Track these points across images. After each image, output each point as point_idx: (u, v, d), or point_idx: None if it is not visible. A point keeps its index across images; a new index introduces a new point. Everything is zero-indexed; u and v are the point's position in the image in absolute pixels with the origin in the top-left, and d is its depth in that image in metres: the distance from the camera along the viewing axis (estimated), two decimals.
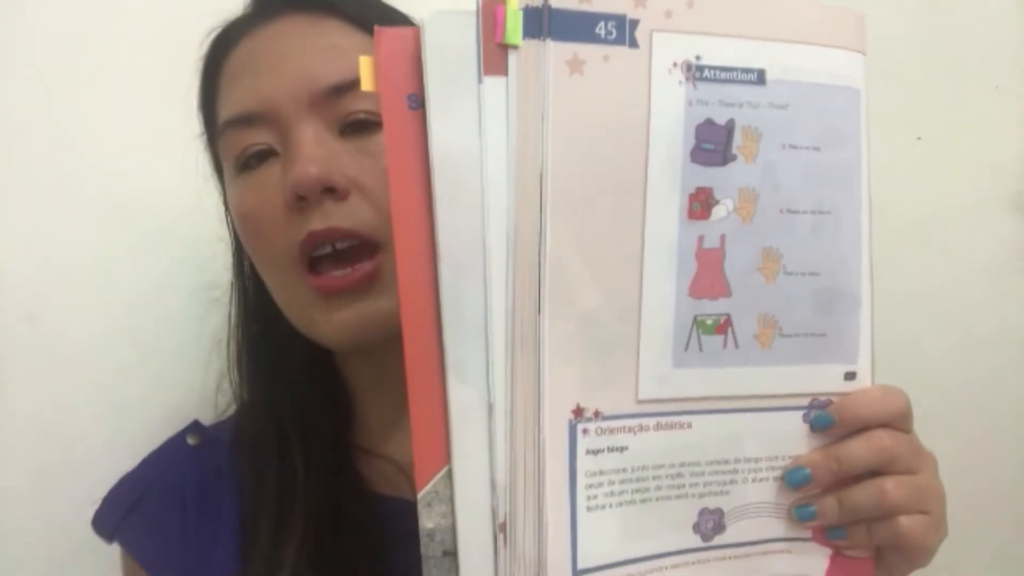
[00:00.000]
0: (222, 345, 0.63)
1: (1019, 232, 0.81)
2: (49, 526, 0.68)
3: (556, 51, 0.36)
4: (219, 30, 0.55)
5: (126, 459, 0.66)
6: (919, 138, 0.81)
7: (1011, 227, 0.81)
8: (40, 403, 0.69)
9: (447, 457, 0.38)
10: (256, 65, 0.51)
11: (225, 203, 0.58)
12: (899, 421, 0.41)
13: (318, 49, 0.50)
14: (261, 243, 0.51)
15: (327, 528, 0.51)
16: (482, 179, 0.37)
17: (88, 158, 0.70)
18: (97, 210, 0.70)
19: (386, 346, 0.49)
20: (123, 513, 0.56)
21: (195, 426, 0.60)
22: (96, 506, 0.58)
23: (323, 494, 0.52)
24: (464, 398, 0.37)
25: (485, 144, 0.37)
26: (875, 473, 0.41)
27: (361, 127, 0.49)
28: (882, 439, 0.40)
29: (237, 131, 0.51)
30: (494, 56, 0.36)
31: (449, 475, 0.38)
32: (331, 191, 0.48)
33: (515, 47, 0.36)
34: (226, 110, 0.52)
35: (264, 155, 0.50)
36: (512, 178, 0.37)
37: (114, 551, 0.58)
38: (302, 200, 0.48)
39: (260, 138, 0.50)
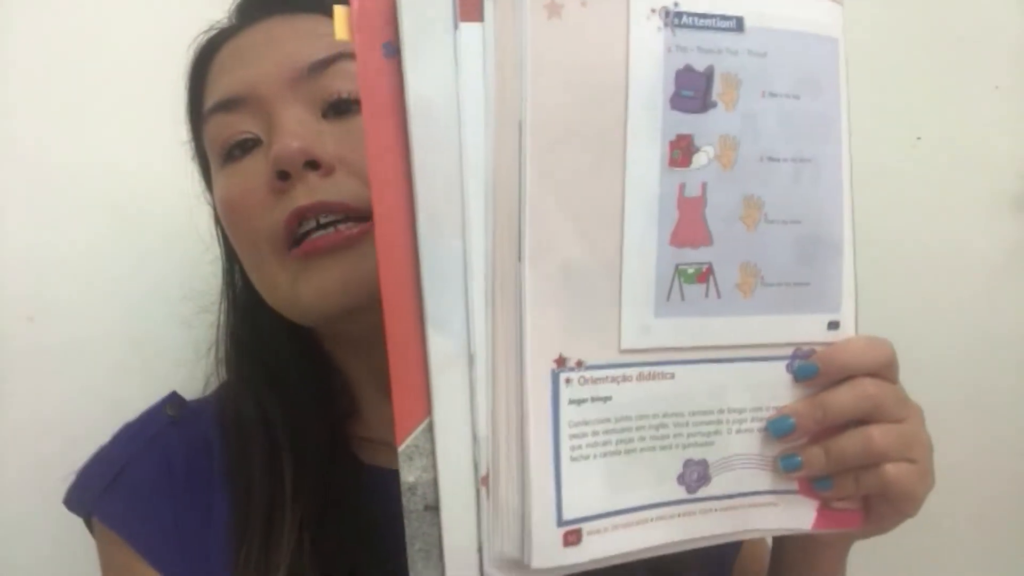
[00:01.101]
0: (210, 350, 0.63)
1: (1019, 232, 0.82)
2: (49, 526, 0.67)
3: None
4: (202, 40, 0.56)
5: None
6: (919, 138, 0.82)
7: (1011, 227, 0.82)
8: (40, 403, 0.69)
9: (428, 410, 0.37)
10: (239, 57, 0.52)
11: (215, 208, 0.57)
12: (884, 370, 0.41)
13: (298, 35, 0.51)
14: (245, 229, 0.51)
15: (324, 522, 0.50)
16: (459, 127, 0.36)
17: (88, 158, 0.70)
18: (97, 210, 0.71)
19: (379, 337, 0.49)
20: (102, 487, 0.54)
21: (174, 397, 0.59)
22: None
23: (315, 491, 0.51)
24: (444, 349, 0.37)
25: (462, 92, 0.36)
26: (860, 423, 0.41)
27: (343, 108, 0.49)
28: (867, 387, 0.40)
29: (221, 117, 0.51)
30: (470, 1, 0.36)
31: (430, 428, 0.38)
32: (315, 166, 0.47)
33: None
34: (210, 98, 0.52)
35: (248, 145, 0.50)
36: (490, 126, 0.36)
37: None
38: (285, 177, 0.47)
39: (244, 125, 0.50)
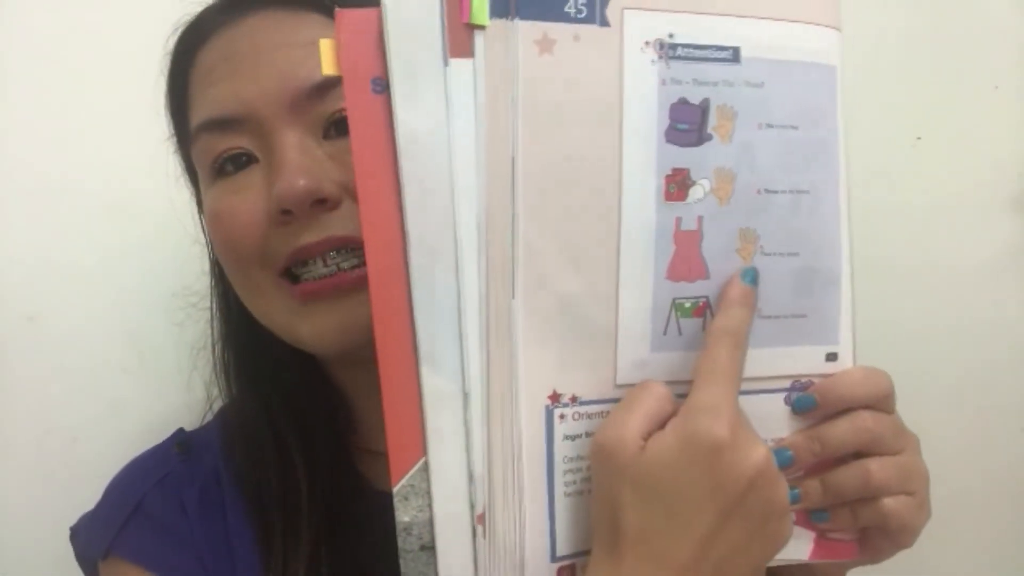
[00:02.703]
0: (204, 351, 0.62)
1: (1019, 232, 0.81)
2: (49, 525, 0.65)
3: (525, 31, 0.35)
4: (186, 24, 0.52)
5: (126, 458, 0.65)
6: (919, 138, 0.81)
7: (1011, 227, 0.81)
8: (40, 403, 0.69)
9: (423, 450, 0.37)
10: (231, 64, 0.47)
11: (199, 206, 0.56)
12: (882, 402, 0.40)
13: (297, 46, 0.46)
14: (237, 252, 0.48)
15: (336, 530, 0.50)
16: (451, 164, 0.36)
17: (87, 158, 0.70)
18: (97, 210, 0.70)
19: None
20: (120, 524, 0.52)
21: (180, 434, 0.58)
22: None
23: (327, 498, 0.51)
24: (439, 388, 0.37)
25: (453, 128, 0.36)
26: (858, 455, 0.40)
27: (345, 127, 0.46)
28: (865, 420, 0.40)
29: (213, 136, 0.48)
30: (460, 37, 0.35)
31: (425, 468, 0.37)
32: (321, 202, 0.45)
33: (482, 27, 0.35)
34: (200, 113, 0.49)
35: (242, 160, 0.47)
36: (482, 162, 0.36)
37: None
38: (289, 214, 0.45)
39: (238, 143, 0.47)
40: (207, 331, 0.62)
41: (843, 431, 0.40)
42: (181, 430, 0.58)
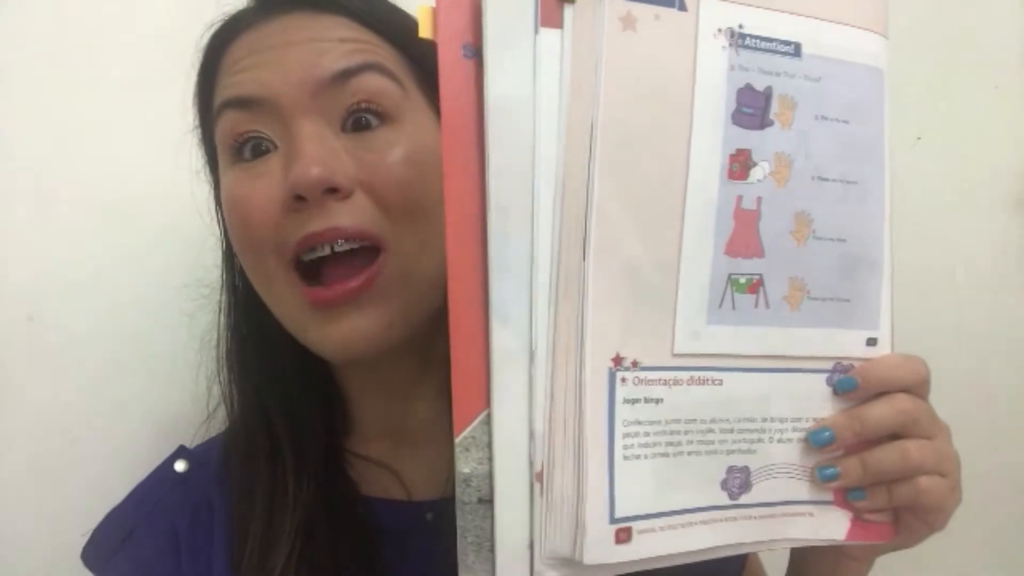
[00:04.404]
0: (210, 345, 0.61)
1: (1019, 232, 0.84)
2: (49, 525, 0.68)
3: (611, 7, 0.38)
4: (220, 23, 0.54)
5: (125, 458, 0.67)
6: (919, 138, 0.83)
7: (1011, 227, 0.84)
8: (40, 402, 0.69)
9: (486, 402, 0.38)
10: (258, 55, 0.49)
11: (217, 198, 0.56)
12: (918, 388, 0.43)
13: (323, 40, 0.48)
14: (251, 238, 0.49)
15: (318, 532, 0.50)
16: (534, 127, 0.38)
17: (87, 158, 0.70)
18: (96, 210, 0.70)
19: (385, 356, 0.49)
20: (112, 549, 0.54)
21: (182, 451, 0.58)
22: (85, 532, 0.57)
23: (313, 499, 0.51)
24: (506, 343, 0.38)
25: (538, 94, 0.38)
26: (894, 437, 0.42)
27: (364, 123, 0.48)
28: (903, 402, 0.42)
29: (234, 114, 0.49)
30: (551, 9, 0.38)
31: (487, 420, 0.38)
32: (333, 191, 0.46)
33: (572, 1, 0.38)
34: (225, 92, 0.50)
35: (262, 148, 0.49)
36: (563, 128, 0.38)
37: None
38: (301, 200, 0.46)
39: (258, 126, 0.48)
40: (216, 324, 0.62)
41: (882, 412, 0.42)
42: (182, 447, 0.58)
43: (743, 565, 0.59)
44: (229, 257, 0.57)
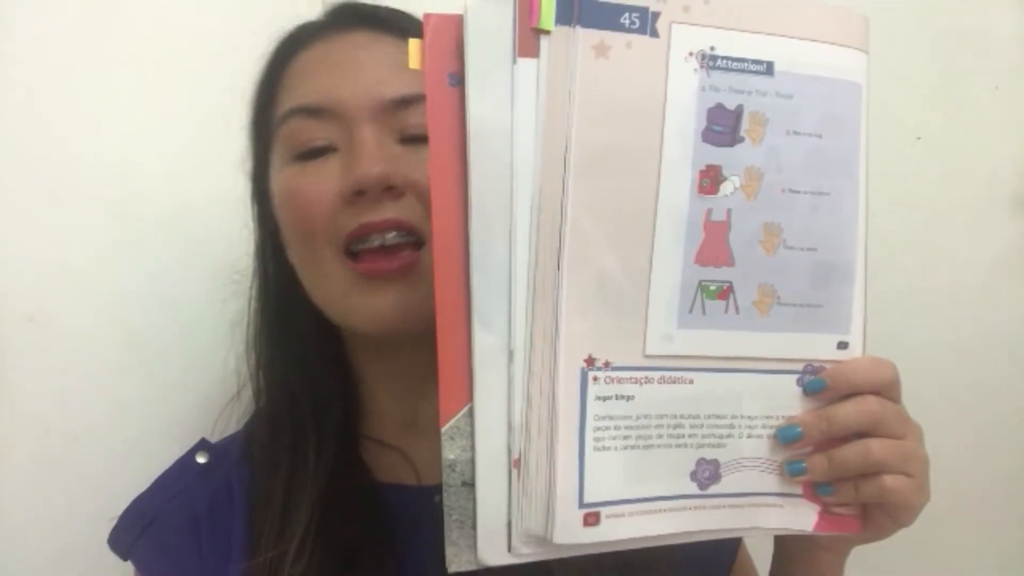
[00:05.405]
0: (239, 328, 0.65)
1: (1019, 232, 0.82)
2: (49, 524, 0.68)
3: (585, 37, 0.41)
4: (292, 29, 0.60)
5: (126, 458, 0.69)
6: (919, 138, 0.83)
7: (1011, 227, 0.82)
8: (40, 402, 0.69)
9: (469, 397, 0.42)
10: (332, 66, 0.55)
11: (258, 191, 0.61)
12: (887, 389, 0.44)
13: (389, 64, 0.54)
14: (308, 225, 0.54)
15: (333, 509, 0.55)
16: (512, 148, 0.41)
17: (87, 156, 0.71)
18: (96, 209, 0.71)
19: (400, 340, 0.55)
20: (136, 534, 0.58)
21: (203, 443, 0.62)
22: (99, 515, 0.60)
23: (331, 475, 0.56)
24: (487, 344, 0.42)
25: (516, 118, 0.41)
26: (862, 436, 0.44)
27: (418, 139, 0.53)
28: (870, 403, 0.44)
29: (303, 120, 0.54)
30: (528, 40, 0.41)
31: (470, 413, 0.42)
32: (389, 189, 0.52)
33: (547, 32, 0.41)
34: (296, 99, 0.55)
35: (323, 150, 0.54)
36: (539, 149, 0.41)
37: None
38: (360, 195, 0.52)
39: (324, 132, 0.54)
40: (244, 311, 0.66)
41: (849, 412, 0.44)
42: (203, 440, 0.63)
43: (735, 556, 0.62)
44: (263, 246, 0.62)
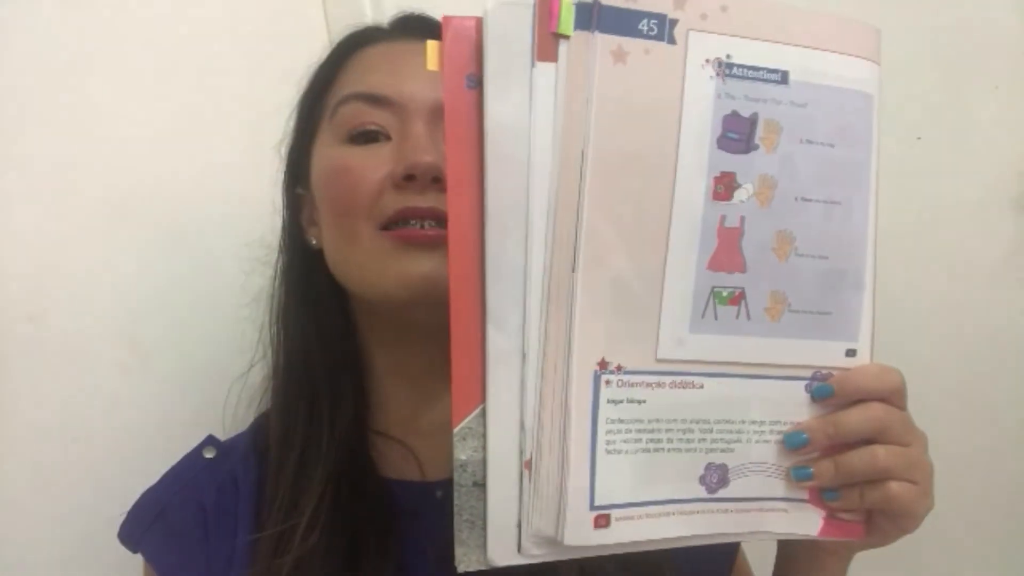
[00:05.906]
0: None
1: (1019, 232, 0.83)
2: (49, 525, 0.69)
3: (603, 42, 0.41)
4: (359, 27, 0.64)
5: (126, 458, 0.69)
6: (919, 138, 0.83)
7: (1011, 227, 0.83)
8: (40, 403, 0.69)
9: (482, 397, 0.42)
10: (395, 63, 0.59)
11: (292, 162, 0.63)
12: (894, 397, 0.45)
13: None
14: (349, 200, 0.56)
15: (343, 491, 0.56)
16: (529, 151, 0.42)
17: (87, 156, 0.71)
18: (97, 209, 0.72)
19: (410, 336, 0.56)
20: (146, 526, 0.60)
21: (210, 440, 0.63)
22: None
23: (341, 460, 0.57)
24: (501, 345, 0.42)
25: (534, 121, 0.41)
26: (868, 442, 0.45)
27: None
28: (876, 410, 0.44)
29: (362, 105, 0.57)
30: (547, 44, 0.41)
31: (483, 414, 0.43)
32: (436, 181, 0.54)
33: (566, 37, 0.41)
34: (357, 85, 0.58)
35: (376, 136, 0.57)
36: (557, 152, 0.42)
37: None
38: (410, 180, 0.54)
39: (380, 119, 0.57)
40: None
41: (855, 418, 0.44)
42: (210, 437, 0.64)
43: (734, 559, 0.63)
44: (293, 226, 0.64)
